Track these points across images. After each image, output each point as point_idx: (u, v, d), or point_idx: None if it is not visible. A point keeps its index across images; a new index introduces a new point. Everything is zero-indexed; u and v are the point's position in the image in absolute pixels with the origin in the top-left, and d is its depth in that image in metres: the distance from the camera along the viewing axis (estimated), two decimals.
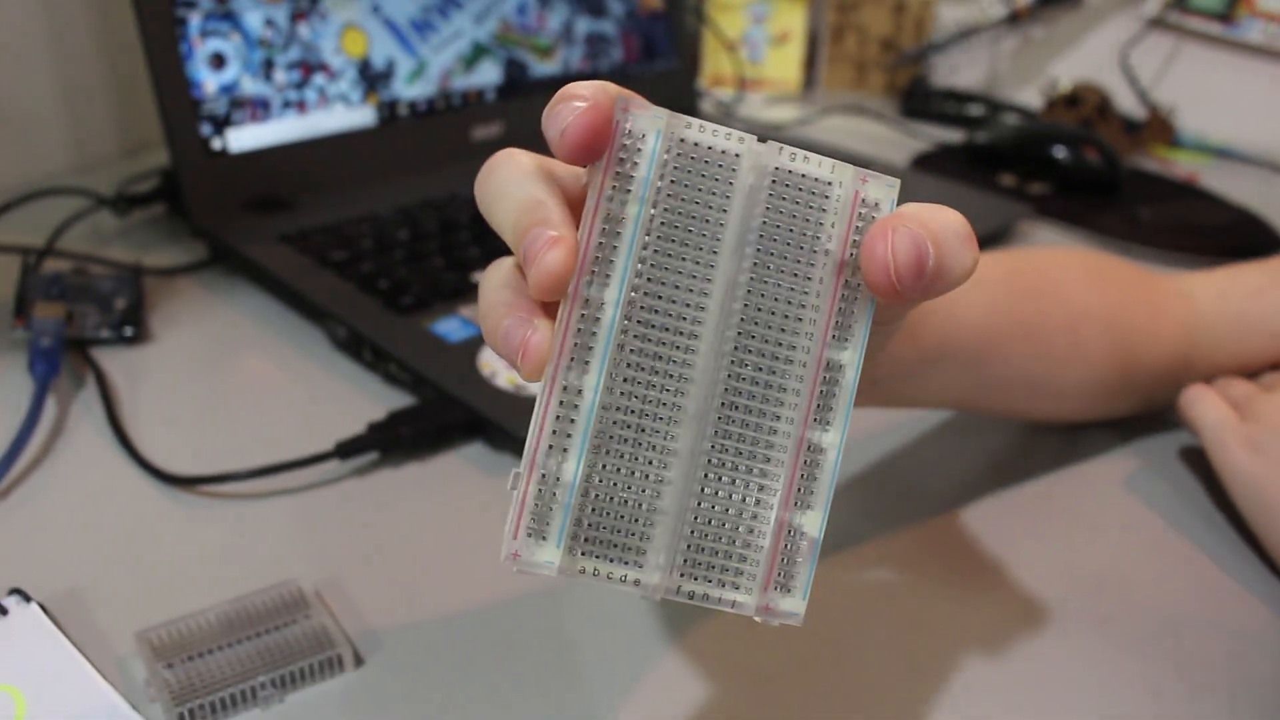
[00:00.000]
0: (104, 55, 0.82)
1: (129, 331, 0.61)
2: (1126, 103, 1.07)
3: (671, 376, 0.28)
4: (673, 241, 0.28)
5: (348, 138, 0.76)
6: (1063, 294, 0.51)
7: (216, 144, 0.70)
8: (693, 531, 0.28)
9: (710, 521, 0.28)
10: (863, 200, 0.29)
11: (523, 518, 0.27)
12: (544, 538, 0.27)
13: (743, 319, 0.29)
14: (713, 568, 0.29)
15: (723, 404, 0.29)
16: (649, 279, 0.28)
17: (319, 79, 0.74)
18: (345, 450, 0.51)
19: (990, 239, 0.80)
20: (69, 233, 0.71)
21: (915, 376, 0.44)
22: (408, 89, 0.78)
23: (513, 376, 0.55)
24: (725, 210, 0.28)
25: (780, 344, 0.29)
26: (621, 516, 0.28)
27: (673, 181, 0.28)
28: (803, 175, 0.29)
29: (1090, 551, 0.49)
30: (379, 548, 0.47)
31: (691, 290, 0.28)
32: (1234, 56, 1.07)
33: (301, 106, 0.73)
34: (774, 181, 0.29)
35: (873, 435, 0.56)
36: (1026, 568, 0.47)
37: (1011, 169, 0.93)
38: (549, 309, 0.28)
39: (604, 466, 0.28)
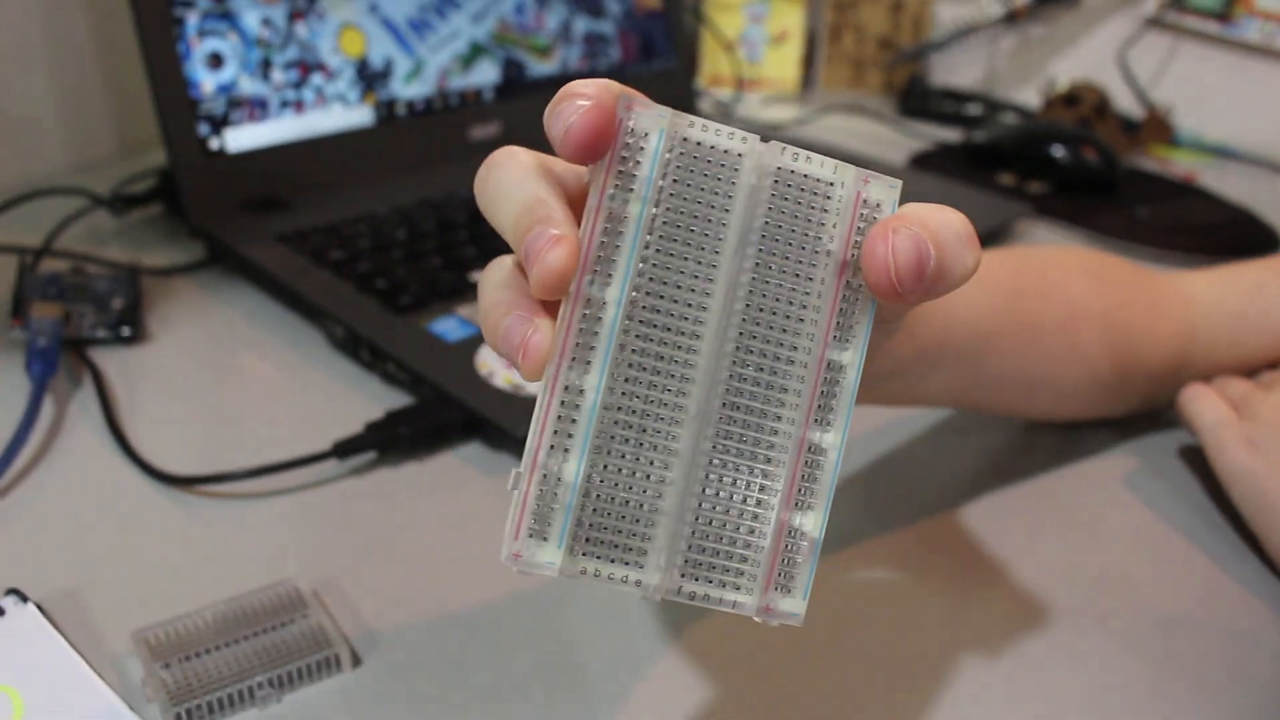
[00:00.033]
0: (102, 55, 0.82)
1: (126, 331, 0.60)
2: (1124, 102, 1.07)
3: (673, 376, 0.28)
4: (675, 241, 0.28)
5: (345, 137, 0.75)
6: (1061, 293, 0.51)
7: (214, 144, 0.70)
8: (694, 532, 0.28)
9: (711, 522, 0.28)
10: (864, 201, 0.29)
11: (524, 518, 0.27)
12: (545, 538, 0.27)
13: (744, 319, 0.29)
14: (714, 568, 0.28)
15: (724, 404, 0.28)
16: (651, 278, 0.28)
17: (317, 79, 0.74)
18: (343, 450, 0.51)
19: (988, 238, 0.80)
20: (66, 233, 0.71)
21: (913, 374, 0.44)
22: (405, 88, 0.78)
23: (510, 376, 0.55)
24: (728, 210, 0.28)
25: (782, 344, 0.29)
26: (623, 517, 0.28)
27: (675, 181, 0.28)
28: (805, 175, 0.29)
29: (1089, 550, 0.49)
30: (376, 547, 0.47)
31: (694, 290, 0.28)
32: (1232, 56, 1.07)
33: (299, 106, 0.73)
34: (776, 181, 0.29)
35: (871, 434, 0.56)
36: (1025, 567, 0.47)
37: (1010, 168, 0.93)
38: (549, 308, 0.28)
39: (605, 467, 0.28)
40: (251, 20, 0.71)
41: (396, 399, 0.56)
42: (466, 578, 0.45)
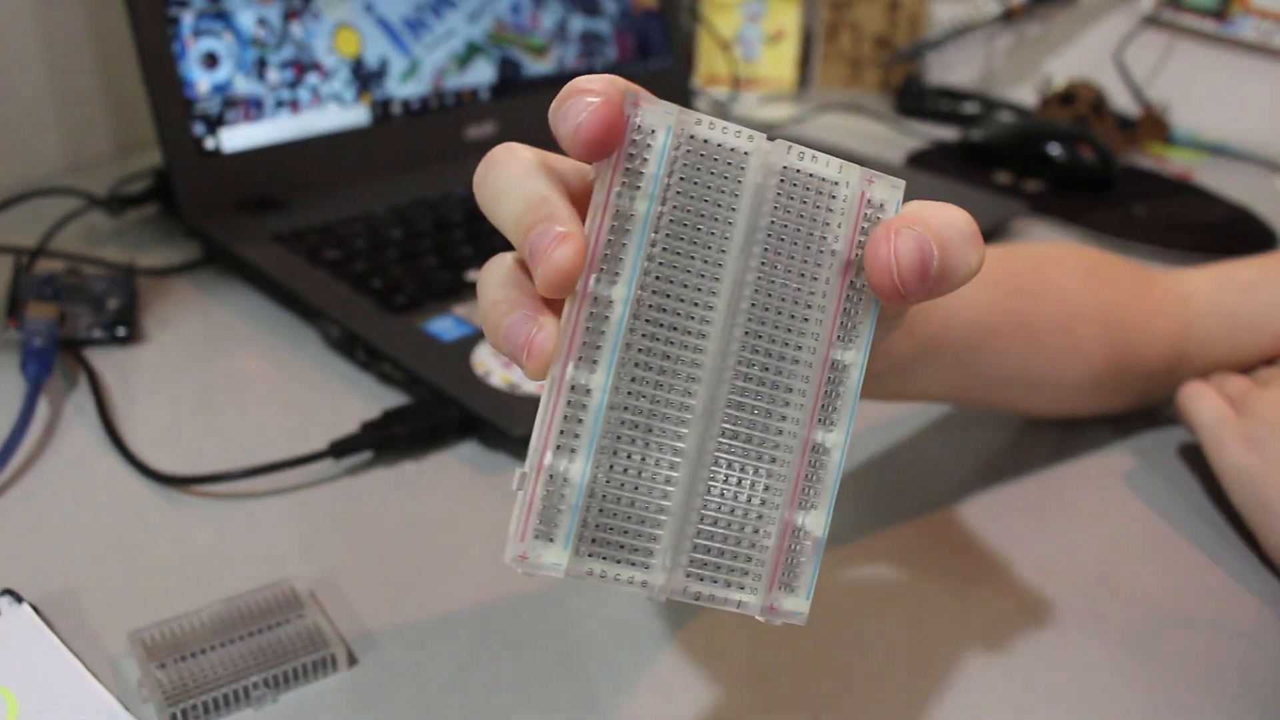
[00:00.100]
0: (97, 55, 0.82)
1: (122, 332, 0.60)
2: (1121, 100, 1.07)
3: (680, 376, 0.28)
4: (681, 239, 0.28)
5: (341, 137, 0.75)
6: (1059, 290, 0.51)
7: (210, 144, 0.70)
8: (699, 532, 0.28)
9: (716, 522, 0.28)
10: (868, 201, 0.29)
11: (530, 519, 0.27)
12: (551, 539, 0.27)
13: (750, 319, 0.28)
14: (719, 568, 0.28)
15: (729, 404, 0.28)
16: (657, 277, 0.28)
17: (312, 78, 0.73)
18: (339, 449, 0.51)
19: (986, 236, 0.79)
20: (62, 233, 0.70)
21: (911, 371, 0.44)
22: (401, 88, 0.78)
23: (507, 375, 0.55)
24: (734, 208, 0.28)
25: (787, 344, 0.29)
26: (629, 517, 0.27)
27: (682, 178, 0.28)
28: (810, 175, 0.29)
29: (1088, 548, 0.49)
30: (373, 547, 0.46)
31: (700, 289, 0.28)
32: (1228, 54, 1.07)
33: (295, 106, 0.73)
34: (782, 180, 0.28)
35: (871, 431, 0.56)
36: (1024, 564, 0.47)
37: (1006, 166, 0.93)
38: (552, 306, 0.28)
39: (612, 467, 0.27)
40: (246, 20, 0.70)
41: (392, 398, 0.56)
42: (463, 577, 0.45)
